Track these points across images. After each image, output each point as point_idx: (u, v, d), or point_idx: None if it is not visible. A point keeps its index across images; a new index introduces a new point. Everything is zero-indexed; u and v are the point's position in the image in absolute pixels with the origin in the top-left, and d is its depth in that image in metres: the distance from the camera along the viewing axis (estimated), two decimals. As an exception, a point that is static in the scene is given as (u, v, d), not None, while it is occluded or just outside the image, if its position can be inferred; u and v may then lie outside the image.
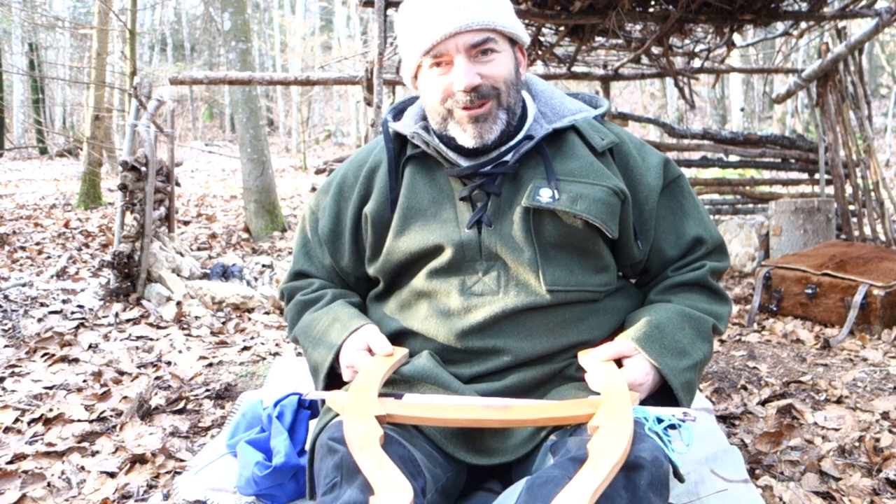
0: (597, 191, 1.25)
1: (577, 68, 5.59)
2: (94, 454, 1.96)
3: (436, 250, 1.28)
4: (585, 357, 1.24)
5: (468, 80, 1.20)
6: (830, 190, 5.36)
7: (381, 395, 1.15)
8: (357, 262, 1.41)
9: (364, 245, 1.38)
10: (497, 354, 1.26)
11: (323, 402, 1.32)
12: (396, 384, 1.24)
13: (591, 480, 0.88)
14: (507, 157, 1.28)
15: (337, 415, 1.17)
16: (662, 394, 1.22)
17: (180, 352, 2.98)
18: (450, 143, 1.29)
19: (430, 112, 1.30)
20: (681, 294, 1.34)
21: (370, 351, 1.27)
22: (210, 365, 2.81)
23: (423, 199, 1.31)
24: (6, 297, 3.77)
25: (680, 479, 1.15)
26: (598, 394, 1.14)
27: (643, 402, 1.19)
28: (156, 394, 2.40)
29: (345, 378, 1.30)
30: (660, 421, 1.09)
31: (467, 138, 1.25)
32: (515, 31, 1.27)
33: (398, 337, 1.33)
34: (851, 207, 5.20)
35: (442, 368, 1.25)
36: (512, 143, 1.29)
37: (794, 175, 6.21)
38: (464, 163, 1.29)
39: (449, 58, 1.22)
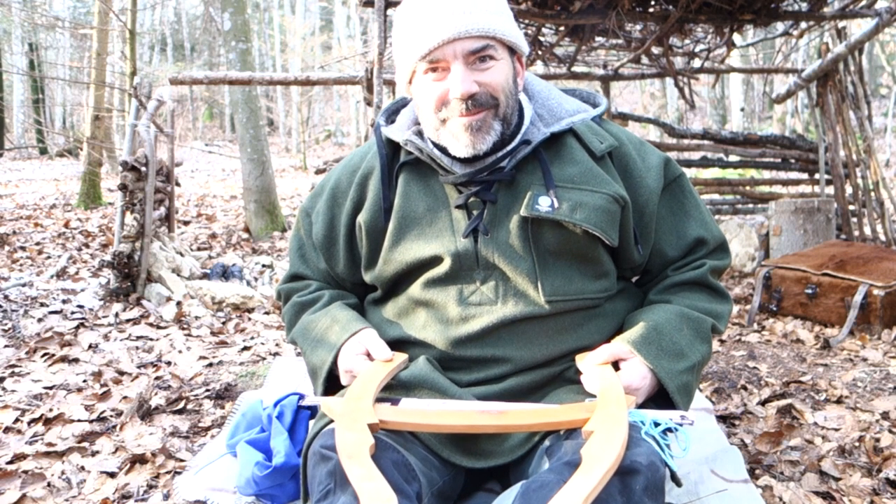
0: (597, 198, 1.23)
1: (577, 68, 5.59)
2: (94, 454, 1.96)
3: (433, 261, 1.26)
4: (582, 360, 1.23)
5: (465, 88, 1.17)
6: (830, 190, 5.36)
7: (377, 399, 1.15)
8: (352, 268, 1.40)
9: (359, 252, 1.36)
10: (497, 363, 1.25)
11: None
12: (393, 389, 1.23)
13: (583, 487, 0.88)
14: (503, 164, 1.25)
15: (331, 421, 1.16)
16: (662, 396, 1.22)
17: (180, 352, 2.98)
18: (444, 149, 1.27)
19: (424, 120, 1.26)
20: (680, 294, 1.33)
21: (369, 355, 1.26)
22: (210, 365, 2.81)
23: (419, 208, 1.28)
24: (6, 297, 3.77)
25: (678, 483, 1.14)
26: (595, 397, 1.14)
27: (642, 405, 1.19)
28: (156, 394, 2.40)
29: (343, 382, 1.29)
30: (657, 424, 1.08)
31: (460, 147, 1.22)
32: (516, 40, 1.23)
33: (396, 345, 1.32)
34: (851, 207, 5.20)
35: (439, 374, 1.24)
36: (508, 148, 1.26)
37: (794, 175, 6.21)
38: (459, 170, 1.26)
39: (445, 64, 1.18)
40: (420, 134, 1.31)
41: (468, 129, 1.20)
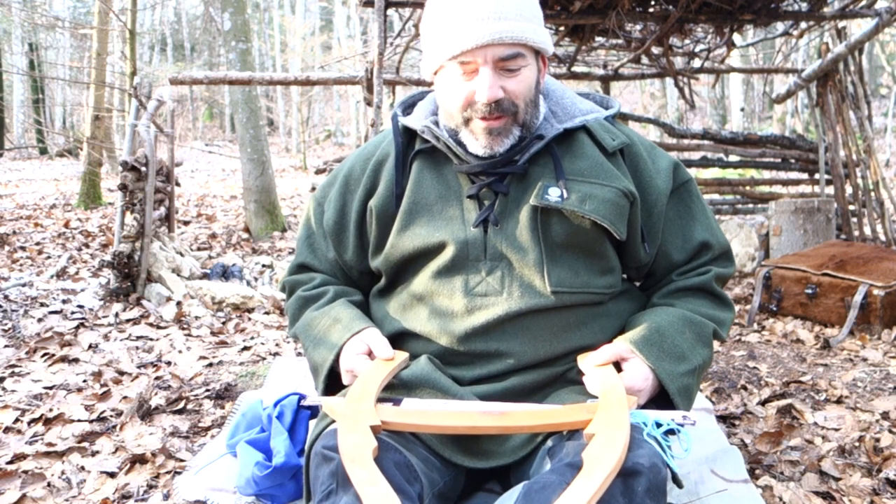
0: (606, 191, 1.25)
1: (577, 68, 5.60)
2: (94, 454, 1.96)
3: (439, 248, 1.27)
4: (584, 360, 1.24)
5: (491, 94, 1.19)
6: (830, 190, 5.36)
7: (379, 399, 1.15)
8: (361, 255, 1.40)
9: (368, 239, 1.37)
10: (500, 358, 1.25)
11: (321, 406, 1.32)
12: (395, 388, 1.24)
13: (585, 491, 0.88)
14: (517, 157, 1.27)
15: (333, 421, 1.17)
16: (663, 398, 1.22)
17: (180, 352, 2.98)
18: (460, 141, 1.28)
19: (446, 114, 1.28)
20: (684, 298, 1.33)
21: (370, 354, 1.26)
22: (210, 365, 2.81)
23: (430, 195, 1.30)
24: (6, 297, 3.77)
25: (679, 484, 1.14)
26: (597, 398, 1.14)
27: (644, 406, 1.19)
28: (156, 394, 2.40)
29: (344, 382, 1.29)
30: (658, 425, 1.08)
31: (478, 147, 1.25)
32: (544, 44, 1.25)
33: (400, 338, 1.33)
34: (851, 207, 5.20)
35: (440, 373, 1.24)
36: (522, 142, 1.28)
37: (794, 175, 6.21)
38: (473, 160, 1.28)
39: (475, 66, 1.20)
40: (437, 124, 1.33)
41: (488, 133, 1.23)
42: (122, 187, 3.83)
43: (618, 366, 1.22)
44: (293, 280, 1.47)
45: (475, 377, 1.26)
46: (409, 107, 1.43)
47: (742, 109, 16.27)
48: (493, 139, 1.23)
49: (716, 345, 3.05)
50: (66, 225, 6.99)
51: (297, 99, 19.19)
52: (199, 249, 5.70)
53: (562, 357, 1.28)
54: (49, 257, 5.23)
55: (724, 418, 2.17)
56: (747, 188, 5.87)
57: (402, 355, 1.27)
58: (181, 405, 2.32)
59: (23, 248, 5.53)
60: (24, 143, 20.10)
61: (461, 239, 1.26)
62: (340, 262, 1.43)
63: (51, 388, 2.49)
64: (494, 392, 1.24)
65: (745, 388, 2.47)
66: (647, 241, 1.33)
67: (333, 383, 1.31)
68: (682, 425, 1.09)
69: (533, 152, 1.26)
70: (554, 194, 1.23)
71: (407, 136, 1.36)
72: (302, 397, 1.54)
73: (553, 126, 1.30)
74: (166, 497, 1.70)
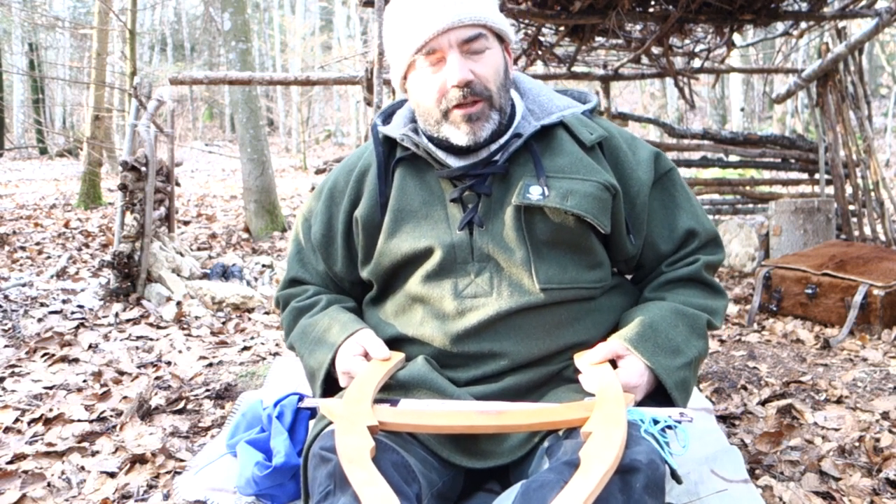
0: (587, 186, 1.25)
1: (577, 68, 5.59)
2: (94, 454, 1.96)
3: (427, 252, 1.28)
4: (580, 359, 1.24)
5: (462, 75, 1.20)
6: (830, 190, 5.37)
7: (376, 400, 1.15)
8: (350, 266, 1.41)
9: (356, 249, 1.38)
10: (494, 358, 1.25)
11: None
12: (392, 389, 1.24)
13: (582, 489, 0.88)
14: (497, 157, 1.28)
15: (331, 423, 1.17)
16: (660, 393, 1.22)
17: (180, 352, 2.98)
18: (440, 144, 1.29)
19: (424, 115, 1.29)
20: (675, 290, 1.33)
21: (366, 356, 1.26)
22: (210, 365, 2.81)
23: (414, 201, 1.30)
24: (6, 297, 3.77)
25: (678, 480, 1.14)
26: (594, 395, 1.14)
27: (640, 403, 1.19)
28: (156, 394, 2.40)
29: (341, 384, 1.29)
30: (656, 422, 1.08)
31: (461, 136, 1.25)
32: (504, 28, 1.27)
33: (394, 343, 1.32)
34: (851, 207, 5.20)
35: (437, 373, 1.24)
36: (501, 141, 1.29)
37: (794, 175, 6.21)
38: (454, 163, 1.29)
39: (441, 54, 1.22)
40: (416, 131, 1.33)
41: (467, 120, 1.23)
42: (122, 187, 3.83)
43: (613, 364, 1.22)
44: (286, 294, 1.48)
45: (471, 378, 1.26)
46: (388, 116, 1.44)
47: (742, 109, 16.27)
48: (474, 125, 1.23)
49: (716, 344, 3.05)
50: (66, 225, 6.99)
51: (297, 99, 19.20)
52: (199, 249, 5.71)
53: (556, 355, 1.27)
54: (49, 257, 5.23)
55: (724, 418, 2.18)
56: (747, 188, 5.88)
57: (399, 355, 1.27)
58: (181, 405, 2.32)
59: (23, 248, 5.53)
60: (24, 143, 20.11)
61: (447, 242, 1.26)
62: (331, 273, 1.44)
63: (51, 388, 2.49)
64: (491, 393, 1.23)
65: (745, 388, 2.47)
66: (633, 233, 1.33)
67: (330, 387, 1.31)
68: (679, 422, 1.09)
69: (512, 151, 1.26)
70: (535, 192, 1.24)
71: (388, 145, 1.36)
72: (302, 397, 1.54)
73: (531, 124, 1.31)
74: (166, 497, 1.70)
